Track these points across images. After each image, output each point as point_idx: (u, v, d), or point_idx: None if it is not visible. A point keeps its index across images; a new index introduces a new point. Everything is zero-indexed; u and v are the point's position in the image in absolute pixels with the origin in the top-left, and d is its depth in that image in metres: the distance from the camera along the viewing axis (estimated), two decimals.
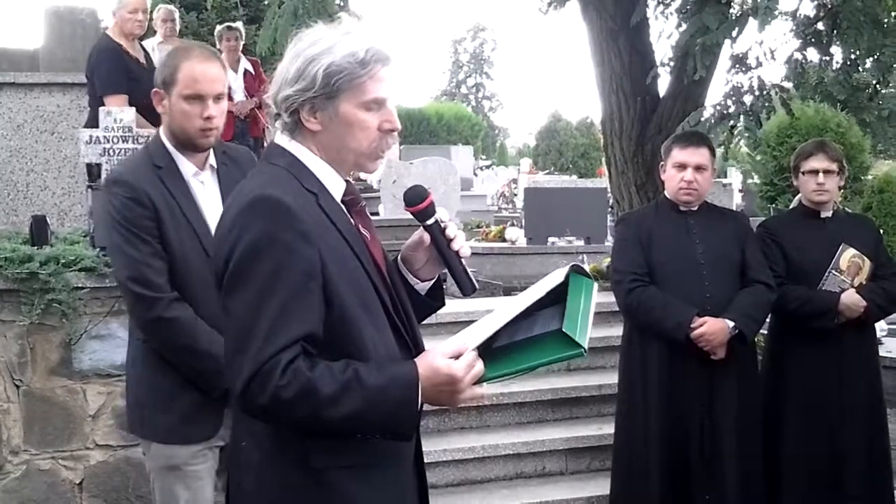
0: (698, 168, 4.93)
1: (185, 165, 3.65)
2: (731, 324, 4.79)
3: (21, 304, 5.16)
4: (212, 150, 3.72)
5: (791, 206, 6.06)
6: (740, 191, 20.23)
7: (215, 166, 3.72)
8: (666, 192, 5.12)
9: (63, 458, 5.30)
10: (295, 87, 2.43)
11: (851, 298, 5.08)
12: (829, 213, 5.33)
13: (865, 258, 5.17)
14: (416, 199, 2.60)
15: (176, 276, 3.55)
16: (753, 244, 5.12)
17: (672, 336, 4.81)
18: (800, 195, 5.50)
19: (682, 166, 4.94)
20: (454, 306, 6.25)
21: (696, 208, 5.05)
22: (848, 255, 5.16)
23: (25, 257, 5.16)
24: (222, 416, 3.59)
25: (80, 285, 5.22)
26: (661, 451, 4.88)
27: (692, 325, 4.77)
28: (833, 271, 5.16)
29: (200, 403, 3.60)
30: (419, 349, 2.56)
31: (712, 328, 4.77)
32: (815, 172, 5.23)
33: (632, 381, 5.06)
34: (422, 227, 2.64)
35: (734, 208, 15.73)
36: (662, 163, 5.10)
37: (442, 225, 2.62)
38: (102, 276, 5.23)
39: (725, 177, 22.95)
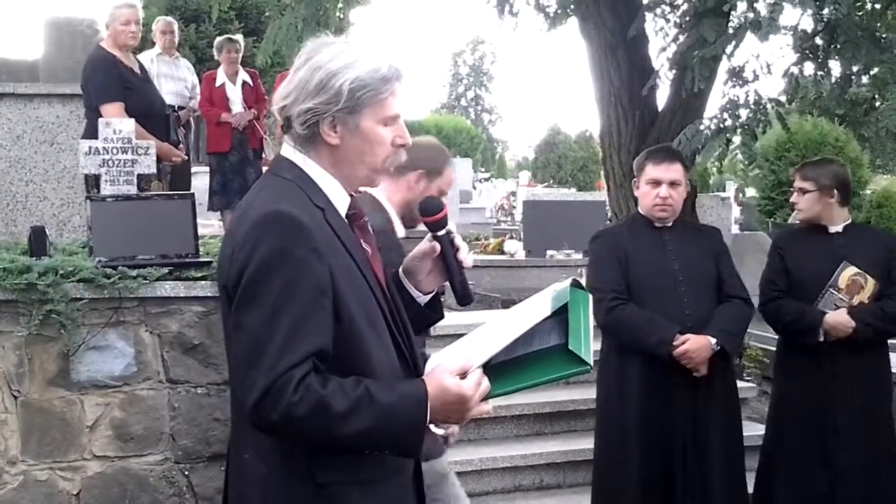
0: (672, 184, 4.93)
1: (399, 228, 4.18)
2: (714, 340, 4.79)
3: (19, 314, 5.16)
4: None
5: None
6: (739, 204, 20.25)
7: None
8: (640, 209, 5.12)
9: (60, 468, 5.28)
10: (316, 99, 2.43)
11: (836, 318, 5.08)
12: (839, 228, 5.31)
13: (868, 277, 5.12)
14: (434, 210, 2.65)
15: None
16: (727, 259, 5.14)
17: (654, 353, 4.79)
18: None
19: (656, 182, 4.93)
20: (451, 319, 6.25)
21: (670, 224, 5.06)
22: (849, 274, 5.13)
23: (24, 268, 5.15)
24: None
25: (78, 296, 5.21)
26: (642, 468, 4.86)
27: (674, 343, 4.77)
28: (831, 289, 5.14)
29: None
30: (417, 363, 2.57)
31: (695, 345, 4.76)
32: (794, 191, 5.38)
33: (610, 398, 5.04)
34: (432, 237, 2.67)
35: (732, 222, 15.76)
36: (636, 179, 5.10)
37: (451, 236, 2.66)
38: (101, 287, 5.23)
39: (723, 191, 22.97)
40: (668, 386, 4.83)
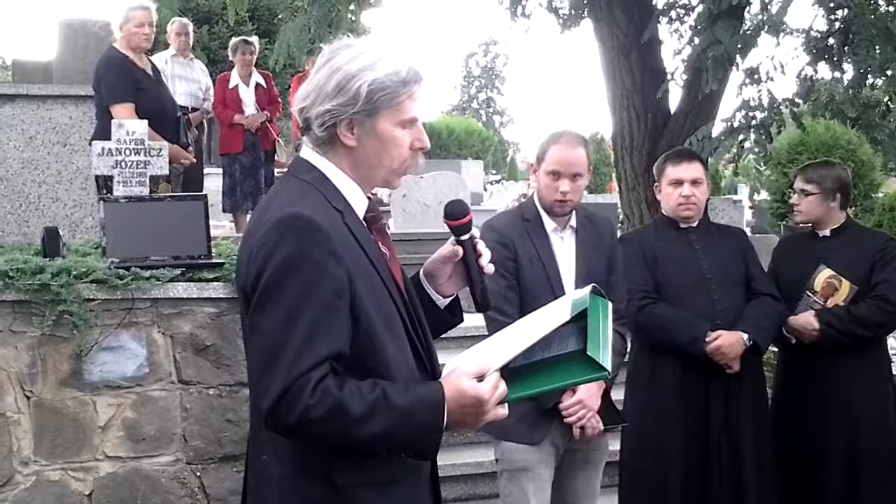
0: (694, 182, 4.92)
1: (548, 222, 4.39)
2: (746, 336, 4.79)
3: (32, 315, 5.17)
4: (574, 214, 4.43)
5: None
6: (750, 207, 20.20)
7: (575, 227, 4.44)
8: (664, 211, 5.12)
9: (73, 469, 5.30)
10: (334, 101, 2.43)
11: (799, 321, 5.08)
12: (827, 232, 5.27)
13: (843, 279, 5.07)
14: (459, 214, 2.64)
15: (524, 306, 4.18)
16: (754, 257, 5.13)
17: (687, 350, 4.79)
18: None
19: (678, 182, 4.93)
20: (466, 321, 6.23)
21: (695, 224, 5.05)
22: (824, 276, 5.10)
23: (37, 269, 5.17)
24: (550, 426, 4.29)
25: (91, 297, 5.22)
26: (682, 465, 4.86)
27: (707, 339, 4.77)
28: (807, 292, 5.13)
29: (532, 410, 4.19)
30: (434, 366, 2.58)
31: (727, 341, 4.76)
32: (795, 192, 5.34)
33: (643, 399, 5.02)
34: (455, 241, 2.66)
35: (744, 225, 15.71)
36: (657, 183, 5.09)
37: (474, 241, 2.65)
38: (114, 287, 5.24)
39: (735, 193, 22.90)
40: (701, 383, 4.84)
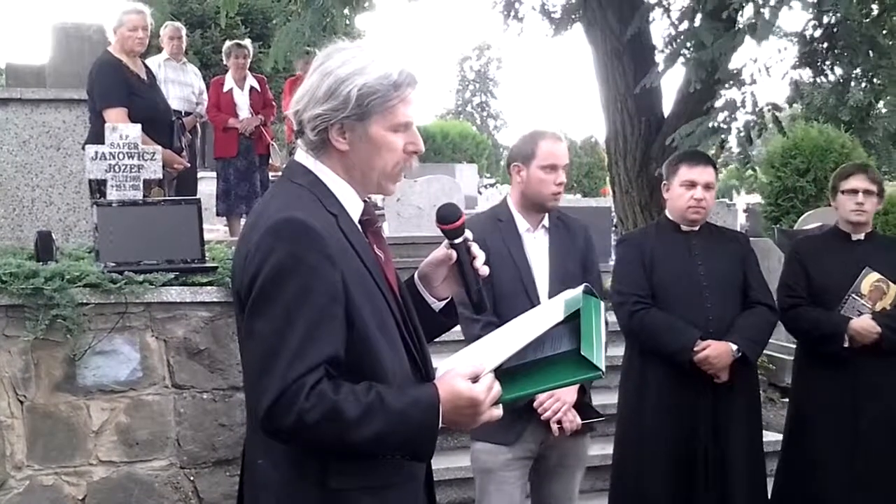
0: (707, 187, 4.89)
1: (521, 222, 4.49)
2: (735, 347, 4.76)
3: (26, 319, 5.16)
4: (546, 214, 4.52)
5: (803, 227, 6.01)
6: (744, 211, 20.24)
7: (548, 226, 4.52)
8: (668, 212, 5.08)
9: (66, 473, 5.29)
10: (325, 105, 2.42)
11: (862, 324, 5.01)
12: (861, 236, 5.24)
13: (891, 283, 5.06)
14: (451, 217, 2.64)
15: (496, 304, 4.25)
16: (754, 264, 5.06)
17: (676, 359, 4.76)
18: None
19: (691, 184, 4.88)
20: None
21: (697, 228, 5.01)
22: (871, 280, 5.07)
23: (30, 273, 5.16)
24: (523, 430, 4.32)
25: (84, 301, 5.21)
26: (664, 473, 4.83)
27: (695, 349, 4.74)
28: (853, 295, 5.08)
29: (505, 410, 4.03)
30: (428, 369, 2.57)
31: (716, 351, 4.73)
32: (855, 192, 5.17)
33: (633, 404, 5.01)
34: (449, 245, 2.67)
35: (738, 228, 15.74)
36: (665, 182, 5.06)
37: (467, 244, 2.66)
38: (107, 291, 5.23)
39: (729, 197, 22.93)
40: (689, 391, 4.80)
